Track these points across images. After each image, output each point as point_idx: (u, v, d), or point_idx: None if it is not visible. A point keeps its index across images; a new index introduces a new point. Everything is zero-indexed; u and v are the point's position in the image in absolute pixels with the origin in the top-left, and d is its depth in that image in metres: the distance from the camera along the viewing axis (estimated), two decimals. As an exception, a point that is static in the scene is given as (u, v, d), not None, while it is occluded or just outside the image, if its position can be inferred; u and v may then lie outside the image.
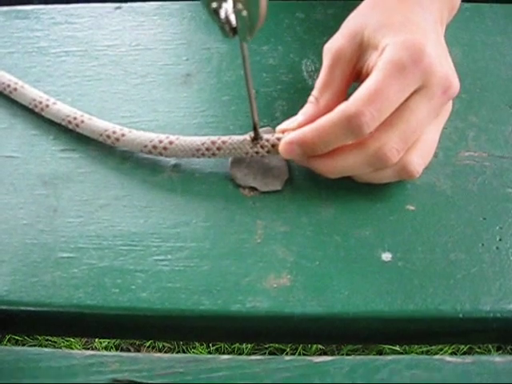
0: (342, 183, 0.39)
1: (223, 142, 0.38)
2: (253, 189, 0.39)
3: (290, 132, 0.37)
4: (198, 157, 0.39)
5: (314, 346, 1.07)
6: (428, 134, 0.36)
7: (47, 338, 1.09)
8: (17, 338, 1.10)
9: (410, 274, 0.36)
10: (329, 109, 0.35)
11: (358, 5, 0.40)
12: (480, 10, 0.49)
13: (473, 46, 0.47)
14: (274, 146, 0.38)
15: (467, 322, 0.35)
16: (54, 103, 0.42)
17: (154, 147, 0.39)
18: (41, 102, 0.42)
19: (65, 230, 0.38)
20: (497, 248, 0.37)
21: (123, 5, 0.51)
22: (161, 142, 0.39)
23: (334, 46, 0.38)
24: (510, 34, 0.47)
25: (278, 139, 0.37)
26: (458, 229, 0.37)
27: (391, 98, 0.34)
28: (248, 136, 0.38)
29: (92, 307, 0.35)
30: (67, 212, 0.39)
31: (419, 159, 0.36)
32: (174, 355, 0.34)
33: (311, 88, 0.40)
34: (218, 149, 0.38)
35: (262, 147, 0.38)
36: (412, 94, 0.34)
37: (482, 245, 0.37)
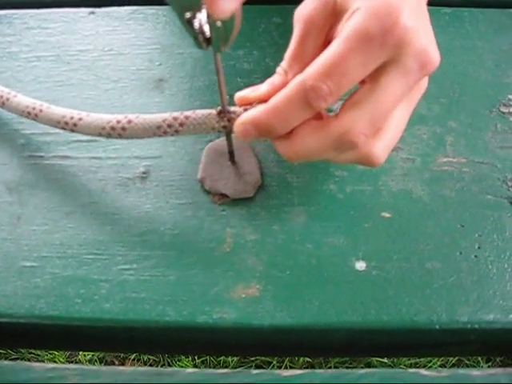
0: (315, 189, 0.38)
1: (186, 117, 0.35)
2: (223, 196, 0.38)
3: (248, 106, 0.33)
4: (160, 135, 0.36)
5: (301, 358, 1.05)
6: (396, 116, 0.32)
7: (30, 350, 1.07)
8: None
9: (385, 284, 0.34)
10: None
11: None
12: (459, 14, 0.48)
13: (452, 50, 0.46)
14: None
15: (444, 334, 0.33)
16: (15, 96, 0.41)
17: (113, 128, 0.36)
18: (1, 96, 0.41)
19: (28, 238, 0.37)
20: (475, 256, 0.35)
21: (97, 9, 0.50)
22: (119, 122, 0.36)
23: (305, 12, 0.33)
24: (490, 39, 0.46)
25: (246, 110, 0.33)
26: (435, 237, 0.36)
27: (352, 72, 0.29)
28: (214, 110, 0.35)
29: (54, 318, 0.34)
30: (32, 220, 0.38)
31: (383, 148, 0.32)
32: (138, 368, 0.32)
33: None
34: (181, 124, 0.35)
35: (229, 120, 0.34)
36: (383, 68, 0.30)
37: (460, 253, 0.36)
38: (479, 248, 0.36)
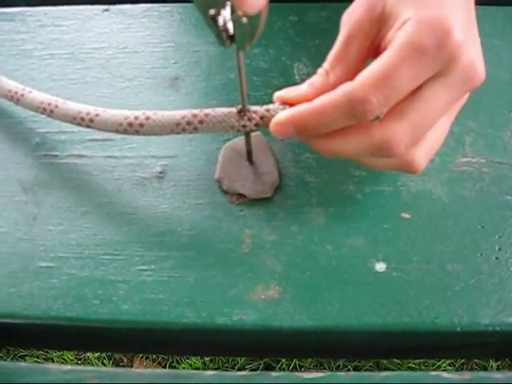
0: (334, 189, 0.38)
1: (206, 115, 0.34)
2: (241, 196, 0.38)
3: (286, 106, 0.33)
4: (178, 132, 0.35)
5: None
6: (438, 127, 0.32)
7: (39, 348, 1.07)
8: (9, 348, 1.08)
9: (405, 286, 0.34)
10: (339, 85, 0.31)
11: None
12: (477, 12, 0.47)
13: (470, 49, 0.45)
14: (263, 118, 0.33)
15: (465, 336, 0.33)
16: (30, 92, 0.40)
17: (130, 125, 0.35)
18: (16, 92, 0.40)
19: (45, 238, 0.37)
20: (496, 258, 0.35)
21: (111, 7, 0.50)
22: (136, 118, 0.35)
23: (352, 16, 0.32)
24: (508, 37, 0.46)
25: (268, 110, 0.33)
26: (455, 238, 0.36)
27: (403, 85, 0.29)
28: (234, 108, 0.34)
29: (71, 319, 0.34)
30: (47, 220, 0.38)
31: (425, 155, 0.32)
32: (156, 370, 0.32)
33: (303, 92, 0.39)
34: (201, 122, 0.34)
35: (249, 120, 0.33)
36: (429, 80, 0.30)
37: (481, 255, 0.35)
38: (500, 249, 0.35)
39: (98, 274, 0.35)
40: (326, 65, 0.33)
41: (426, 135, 0.32)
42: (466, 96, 0.33)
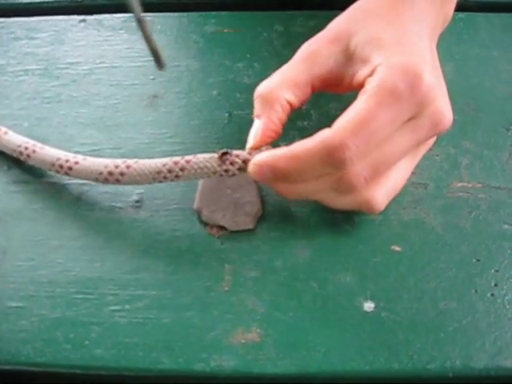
0: (320, 219, 0.36)
1: (187, 162, 0.33)
2: (221, 228, 0.35)
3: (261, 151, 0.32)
4: (160, 181, 0.34)
5: None
6: (400, 169, 0.32)
7: None
8: None
9: (395, 327, 0.32)
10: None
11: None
12: (474, 20, 0.45)
13: (466, 60, 0.43)
14: (246, 161, 0.32)
15: (457, 382, 0.31)
16: (6, 133, 0.38)
17: (110, 173, 0.34)
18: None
19: (14, 274, 0.35)
20: (491, 295, 0.33)
21: (88, 17, 0.47)
22: (117, 167, 0.35)
23: (311, 47, 0.33)
24: (507, 47, 0.43)
25: (250, 153, 0.33)
26: (448, 273, 0.34)
27: (381, 130, 0.29)
28: (215, 153, 0.33)
29: (41, 365, 0.32)
30: (17, 254, 0.35)
31: (384, 195, 0.32)
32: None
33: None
34: (182, 169, 0.33)
35: (231, 164, 0.33)
36: None
37: (476, 291, 0.33)
38: (496, 285, 0.33)
39: (69, 315, 0.33)
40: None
41: (387, 174, 0.31)
42: (432, 141, 0.34)
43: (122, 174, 0.34)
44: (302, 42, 0.44)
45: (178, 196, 0.37)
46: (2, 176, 0.39)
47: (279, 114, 0.32)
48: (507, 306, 0.32)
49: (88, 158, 0.36)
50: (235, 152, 0.33)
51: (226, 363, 0.31)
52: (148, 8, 0.45)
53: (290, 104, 0.32)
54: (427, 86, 0.29)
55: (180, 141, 0.40)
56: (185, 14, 0.47)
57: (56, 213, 0.37)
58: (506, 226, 0.35)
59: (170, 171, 0.34)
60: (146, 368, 0.31)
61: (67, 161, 0.36)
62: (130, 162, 0.35)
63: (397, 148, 0.30)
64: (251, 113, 0.41)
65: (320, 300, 0.33)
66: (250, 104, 0.41)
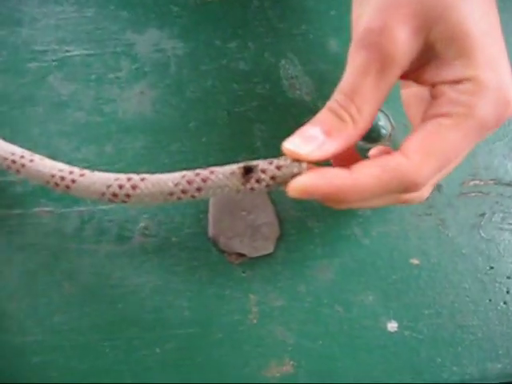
0: (338, 235, 0.35)
1: (203, 181, 0.28)
2: (241, 255, 0.34)
3: (308, 170, 0.27)
4: (173, 202, 0.30)
5: None
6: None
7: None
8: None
9: (417, 345, 0.34)
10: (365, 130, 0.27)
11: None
12: None
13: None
14: (275, 178, 0.27)
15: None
16: None
17: (114, 195, 0.30)
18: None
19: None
20: (504, 303, 0.35)
21: None
22: (121, 187, 0.30)
23: (384, 38, 0.26)
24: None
25: (279, 168, 0.27)
26: (464, 283, 0.35)
27: (458, 158, 0.27)
28: (237, 168, 0.28)
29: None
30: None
31: (431, 187, 0.30)
32: None
33: (293, 103, 0.34)
34: (198, 190, 0.28)
35: (257, 182, 0.27)
36: None
37: (490, 300, 0.35)
38: (508, 292, 0.35)
39: (99, 364, 0.33)
40: (345, 103, 0.27)
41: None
42: None
43: (127, 195, 0.30)
44: (299, 13, 0.40)
45: (188, 219, 0.35)
46: (-13, 204, 0.35)
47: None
48: (519, 313, 0.35)
49: (88, 173, 0.31)
50: (260, 166, 0.27)
51: (264, 398, 0.32)
52: None
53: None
54: (510, 112, 0.27)
55: (178, 149, 0.36)
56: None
57: (55, 246, 0.34)
58: (515, 227, 0.36)
59: (183, 192, 0.28)
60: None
61: (63, 178, 0.31)
62: (136, 179, 0.30)
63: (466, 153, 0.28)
64: (250, 108, 0.38)
65: (346, 325, 0.34)
66: (248, 97, 0.38)
